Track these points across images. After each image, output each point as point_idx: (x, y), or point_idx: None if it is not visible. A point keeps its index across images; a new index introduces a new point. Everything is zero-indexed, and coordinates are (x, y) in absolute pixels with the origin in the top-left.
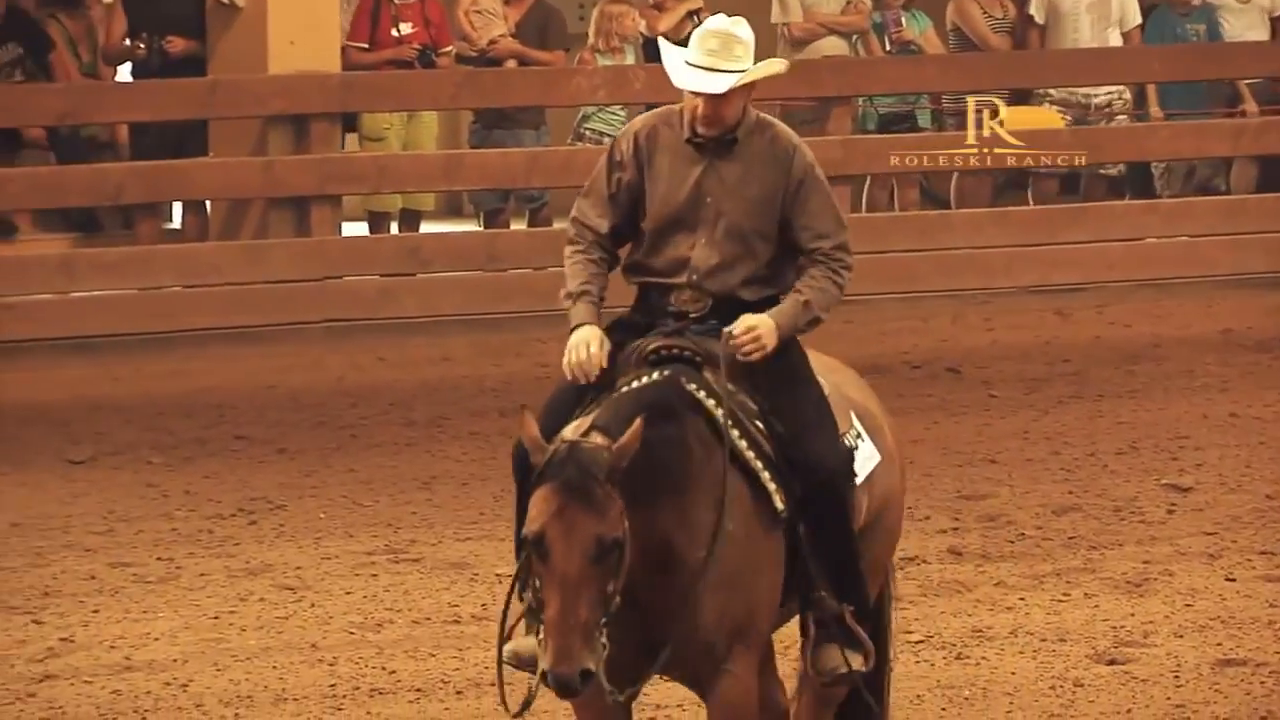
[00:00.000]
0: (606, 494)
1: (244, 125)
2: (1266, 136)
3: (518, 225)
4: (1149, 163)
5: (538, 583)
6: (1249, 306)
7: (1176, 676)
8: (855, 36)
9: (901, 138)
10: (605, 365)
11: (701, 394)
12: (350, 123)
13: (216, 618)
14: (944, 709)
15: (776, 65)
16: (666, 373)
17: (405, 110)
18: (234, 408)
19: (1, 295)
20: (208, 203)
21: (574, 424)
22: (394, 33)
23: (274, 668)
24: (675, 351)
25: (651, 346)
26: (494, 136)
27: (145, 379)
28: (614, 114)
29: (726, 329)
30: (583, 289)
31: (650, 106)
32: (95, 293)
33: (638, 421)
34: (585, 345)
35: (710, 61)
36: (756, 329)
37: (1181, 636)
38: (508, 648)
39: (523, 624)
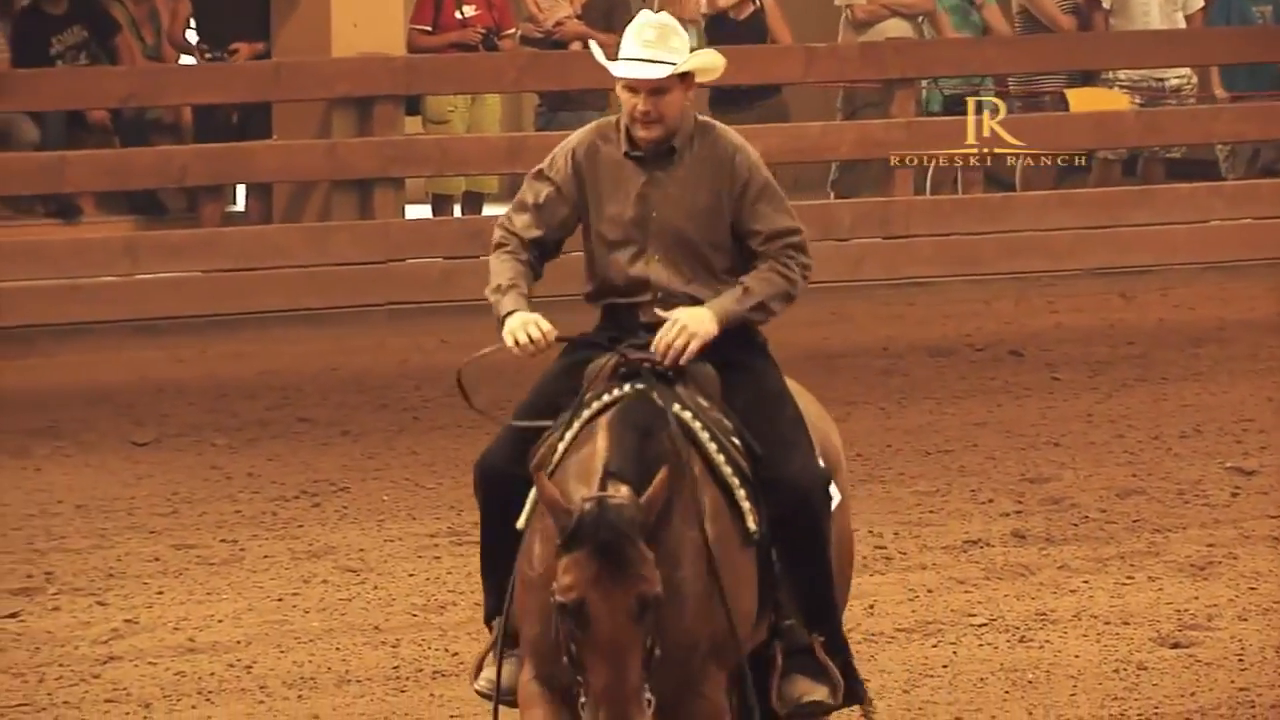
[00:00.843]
0: (641, 552)
1: (308, 108)
2: None
3: None
4: (1214, 145)
5: (573, 648)
6: None
7: (1241, 659)
8: (921, 18)
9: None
10: (553, 342)
11: (675, 407)
12: (414, 105)
13: (280, 600)
14: (1007, 692)
15: (717, 58)
16: (638, 387)
17: (469, 93)
18: (297, 390)
19: (66, 277)
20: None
21: (578, 458)
22: (457, 15)
23: (337, 649)
24: (644, 365)
25: (619, 360)
26: (559, 119)
27: (209, 361)
28: None
29: (652, 348)
30: (512, 282)
31: (713, 89)
32: (159, 275)
33: (663, 472)
34: (533, 324)
35: (649, 53)
36: (679, 325)
37: (1246, 620)
38: (484, 678)
39: (490, 654)
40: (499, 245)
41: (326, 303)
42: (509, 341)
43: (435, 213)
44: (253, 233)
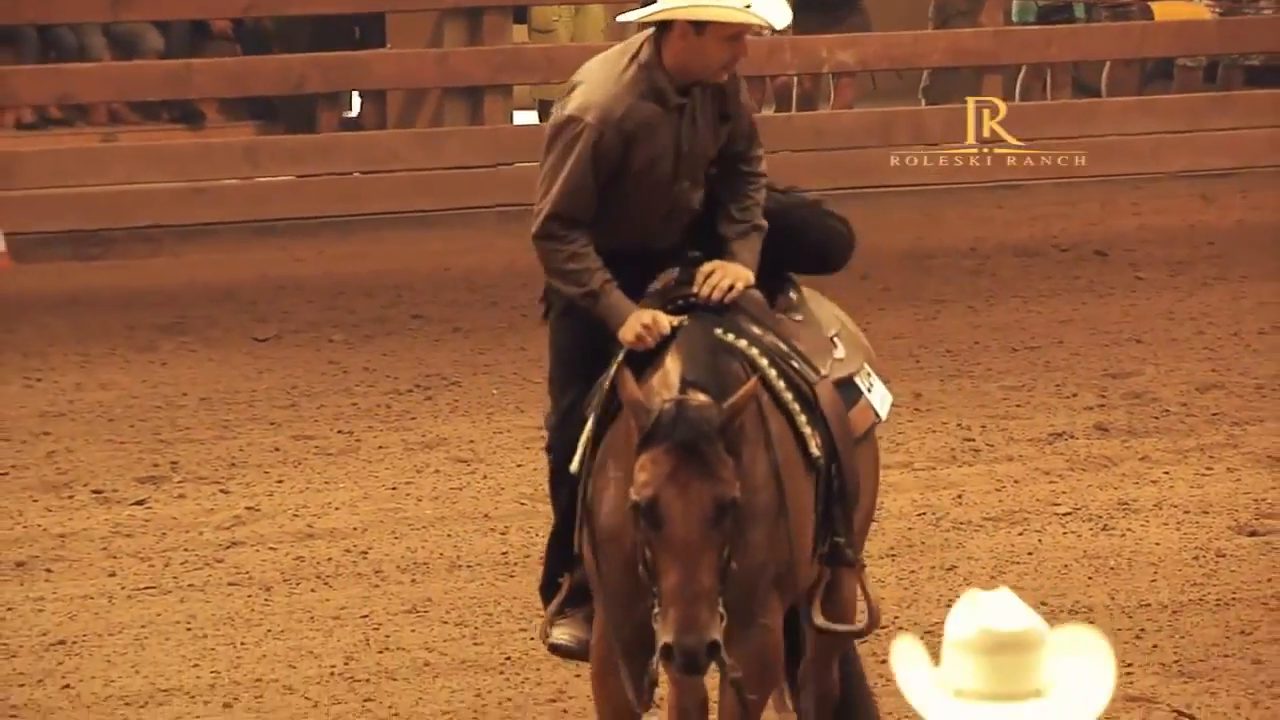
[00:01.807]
0: (719, 454)
1: (420, 18)
2: None
3: None
4: None
5: (648, 553)
6: None
7: None
8: None
9: (1055, 29)
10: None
11: (730, 336)
12: (521, 15)
13: (394, 488)
14: (1090, 578)
15: None
16: (691, 320)
17: (573, 3)
18: (411, 288)
19: (191, 180)
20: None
21: (658, 376)
22: None
23: (449, 536)
24: (695, 299)
25: (674, 295)
26: None
27: (327, 261)
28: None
29: (695, 290)
30: (607, 278)
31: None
32: (279, 178)
33: (753, 380)
34: (655, 320)
35: None
36: (722, 268)
37: None
38: (558, 632)
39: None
40: (557, 237)
41: (438, 205)
42: (634, 341)
43: (541, 119)
44: (368, 138)
